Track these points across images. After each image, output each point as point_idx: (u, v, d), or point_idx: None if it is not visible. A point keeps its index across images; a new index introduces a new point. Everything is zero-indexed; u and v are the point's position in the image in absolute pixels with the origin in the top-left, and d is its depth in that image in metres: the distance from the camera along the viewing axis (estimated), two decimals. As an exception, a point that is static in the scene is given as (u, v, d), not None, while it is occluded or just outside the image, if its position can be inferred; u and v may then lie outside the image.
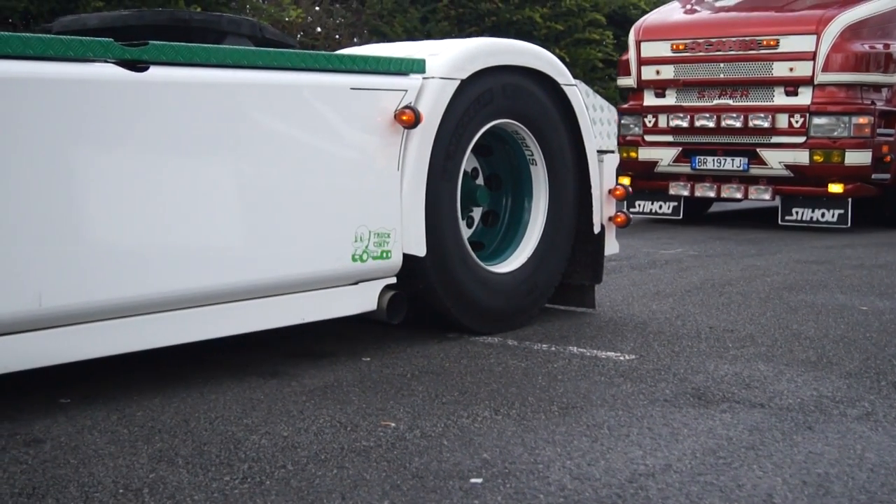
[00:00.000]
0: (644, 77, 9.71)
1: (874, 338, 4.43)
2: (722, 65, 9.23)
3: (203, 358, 3.91)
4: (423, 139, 4.10)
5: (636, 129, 9.66)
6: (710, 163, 9.28)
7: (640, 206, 9.83)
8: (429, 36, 12.84)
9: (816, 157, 8.70)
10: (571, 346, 4.24)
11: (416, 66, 4.15)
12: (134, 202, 3.34)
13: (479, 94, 4.35)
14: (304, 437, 3.01)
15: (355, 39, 14.16)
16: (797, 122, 8.81)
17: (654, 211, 9.82)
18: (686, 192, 9.47)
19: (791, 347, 4.23)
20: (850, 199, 8.82)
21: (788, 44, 8.87)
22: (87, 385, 3.56)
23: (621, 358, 4.04)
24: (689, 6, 10.32)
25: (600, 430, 3.08)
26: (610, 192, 4.97)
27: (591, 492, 2.56)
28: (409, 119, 3.99)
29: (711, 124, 9.20)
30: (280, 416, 3.21)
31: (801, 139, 8.79)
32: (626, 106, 9.96)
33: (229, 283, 3.59)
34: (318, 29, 14.33)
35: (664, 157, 9.49)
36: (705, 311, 5.10)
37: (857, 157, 8.66)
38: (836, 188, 8.71)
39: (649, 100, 9.66)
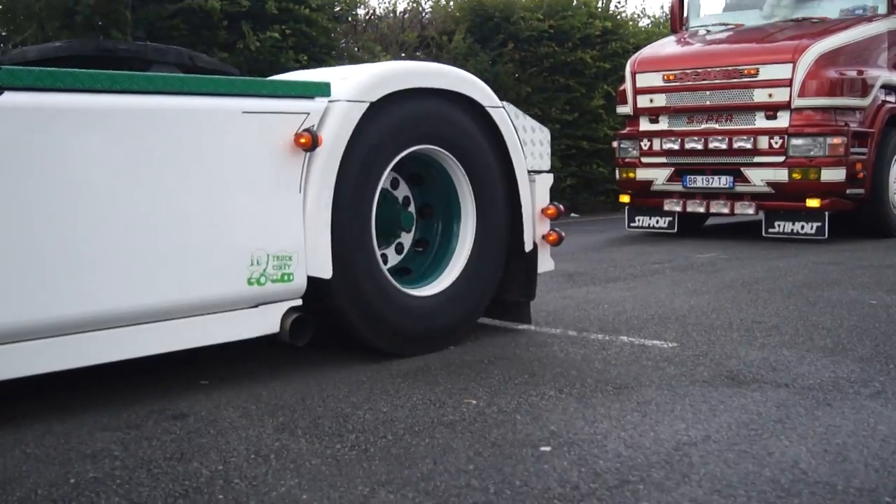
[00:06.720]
0: (639, 105, 9.38)
1: (883, 327, 4.36)
2: (708, 92, 8.89)
3: (314, 347, 3.97)
4: (328, 162, 3.53)
5: (634, 151, 9.36)
6: (700, 181, 8.95)
7: (639, 220, 9.58)
8: (496, 77, 12.75)
9: (795, 175, 8.34)
10: (623, 336, 4.24)
11: (321, 90, 3.59)
12: (18, 229, 2.86)
13: (395, 117, 3.77)
14: (400, 412, 3.06)
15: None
16: (777, 143, 8.45)
17: (651, 225, 9.54)
18: (679, 209, 9.14)
19: (811, 336, 4.19)
20: (826, 213, 8.45)
21: (767, 72, 8.51)
22: (223, 369, 3.64)
23: (665, 346, 4.03)
24: (682, 39, 9.99)
25: (649, 406, 3.08)
26: (542, 211, 4.37)
27: (643, 458, 2.58)
28: (306, 142, 3.44)
29: (700, 146, 8.88)
30: (380, 395, 3.26)
31: (781, 159, 8.42)
32: (624, 131, 9.59)
33: (124, 308, 3.08)
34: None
35: (658, 176, 9.19)
36: (736, 305, 5.05)
37: (832, 175, 8.28)
38: (813, 203, 8.34)
39: (644, 125, 9.35)
